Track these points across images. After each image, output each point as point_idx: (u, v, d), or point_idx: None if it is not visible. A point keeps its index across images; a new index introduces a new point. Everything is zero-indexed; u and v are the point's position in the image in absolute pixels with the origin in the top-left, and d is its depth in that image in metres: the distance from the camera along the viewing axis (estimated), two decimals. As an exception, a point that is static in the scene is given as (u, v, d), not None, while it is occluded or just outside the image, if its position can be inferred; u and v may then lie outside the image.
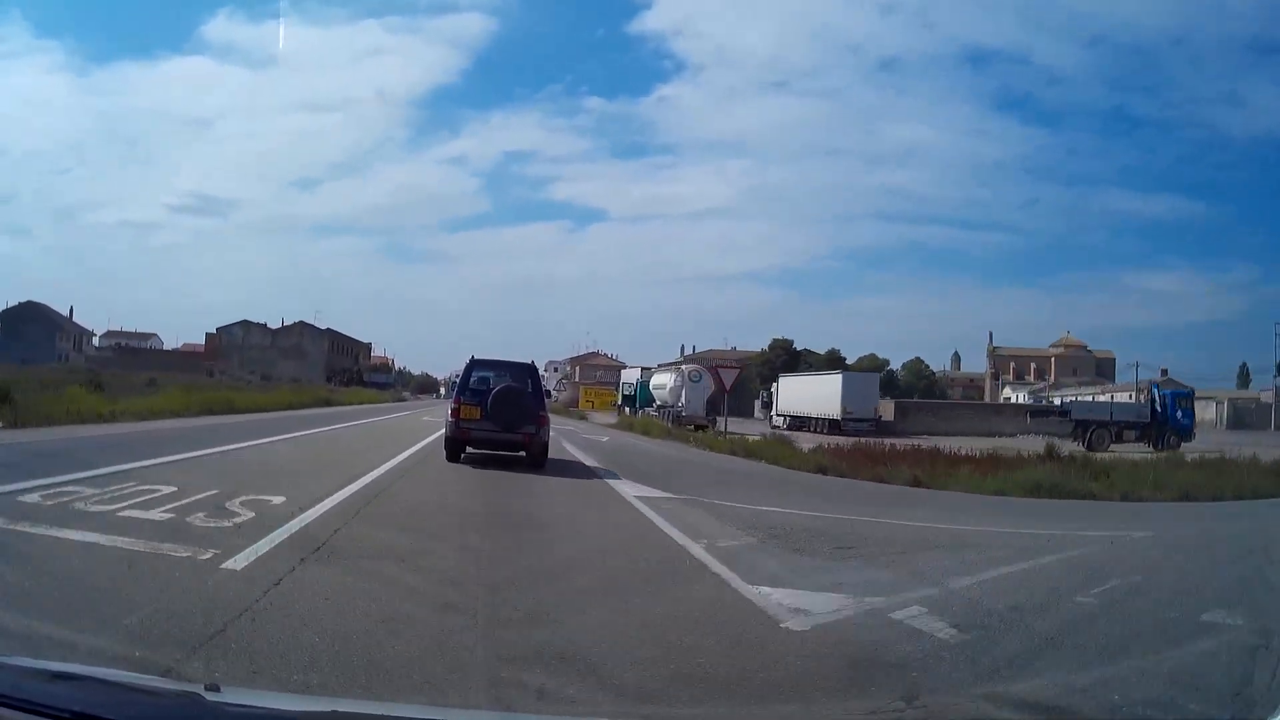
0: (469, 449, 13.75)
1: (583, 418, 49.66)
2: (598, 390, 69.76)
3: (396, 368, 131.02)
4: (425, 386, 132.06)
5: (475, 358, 14.69)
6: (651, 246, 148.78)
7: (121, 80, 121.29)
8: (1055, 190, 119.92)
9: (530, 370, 14.82)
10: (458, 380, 14.72)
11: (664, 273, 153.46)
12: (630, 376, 56.01)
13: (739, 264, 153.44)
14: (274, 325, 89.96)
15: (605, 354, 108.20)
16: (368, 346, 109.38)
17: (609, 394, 65.19)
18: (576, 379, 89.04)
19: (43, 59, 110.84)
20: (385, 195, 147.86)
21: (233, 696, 1.97)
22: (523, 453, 13.53)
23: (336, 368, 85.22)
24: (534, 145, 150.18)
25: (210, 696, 1.90)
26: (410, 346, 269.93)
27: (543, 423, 13.54)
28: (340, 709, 2.17)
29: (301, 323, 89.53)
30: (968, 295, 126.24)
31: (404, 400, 72.18)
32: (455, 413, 13.51)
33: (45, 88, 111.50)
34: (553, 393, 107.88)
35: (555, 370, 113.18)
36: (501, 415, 13.05)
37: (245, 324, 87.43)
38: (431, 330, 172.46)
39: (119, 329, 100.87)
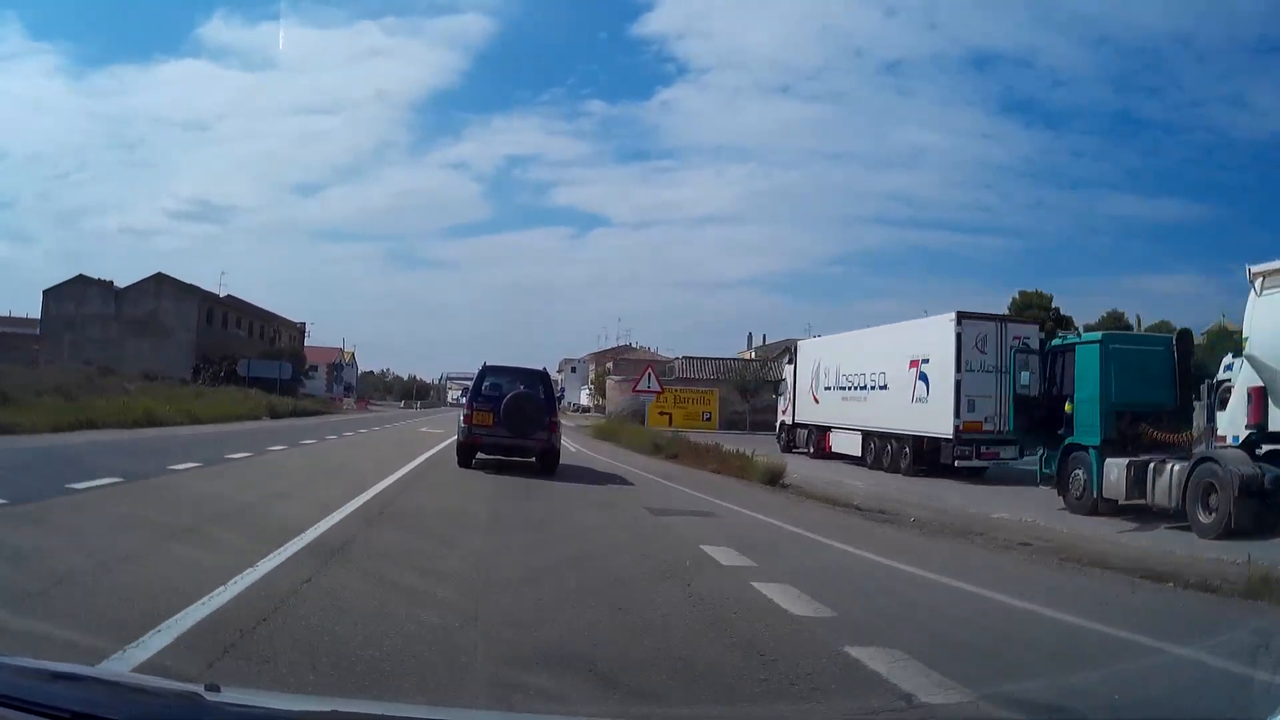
0: (480, 454, 14.05)
1: (772, 485, 14.43)
2: (678, 394, 41.96)
3: (360, 366, 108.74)
4: (409, 391, 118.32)
5: (488, 364, 14.96)
6: (654, 252, 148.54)
7: (119, 83, 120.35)
8: (1059, 194, 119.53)
9: (542, 377, 15.08)
10: (448, 383, 15.05)
11: (666, 277, 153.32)
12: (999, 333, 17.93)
13: (743, 268, 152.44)
14: (126, 283, 56.45)
15: (644, 347, 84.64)
16: (298, 328, 77.03)
17: (701, 398, 42.90)
18: (608, 378, 56.62)
19: (39, 62, 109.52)
20: (387, 200, 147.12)
21: (233, 696, 1.96)
22: (534, 458, 13.91)
23: (224, 352, 51.78)
24: (535, 149, 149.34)
25: (210, 696, 1.89)
26: (409, 351, 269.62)
27: (554, 429, 13.90)
28: (340, 709, 2.17)
29: (159, 276, 55.64)
30: (974, 299, 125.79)
31: (320, 413, 42.57)
32: (468, 419, 13.79)
33: (43, 91, 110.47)
34: (582, 401, 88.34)
35: (573, 371, 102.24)
36: (514, 422, 13.34)
37: (82, 281, 55.95)
38: (431, 335, 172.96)
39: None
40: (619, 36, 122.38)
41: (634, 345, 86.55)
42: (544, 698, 3.40)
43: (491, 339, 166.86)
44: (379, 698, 3.21)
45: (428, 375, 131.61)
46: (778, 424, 27.35)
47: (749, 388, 42.48)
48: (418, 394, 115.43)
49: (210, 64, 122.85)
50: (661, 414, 36.57)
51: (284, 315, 73.56)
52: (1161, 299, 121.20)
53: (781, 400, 27.18)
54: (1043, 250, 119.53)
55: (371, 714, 2.42)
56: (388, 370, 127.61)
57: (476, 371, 15.12)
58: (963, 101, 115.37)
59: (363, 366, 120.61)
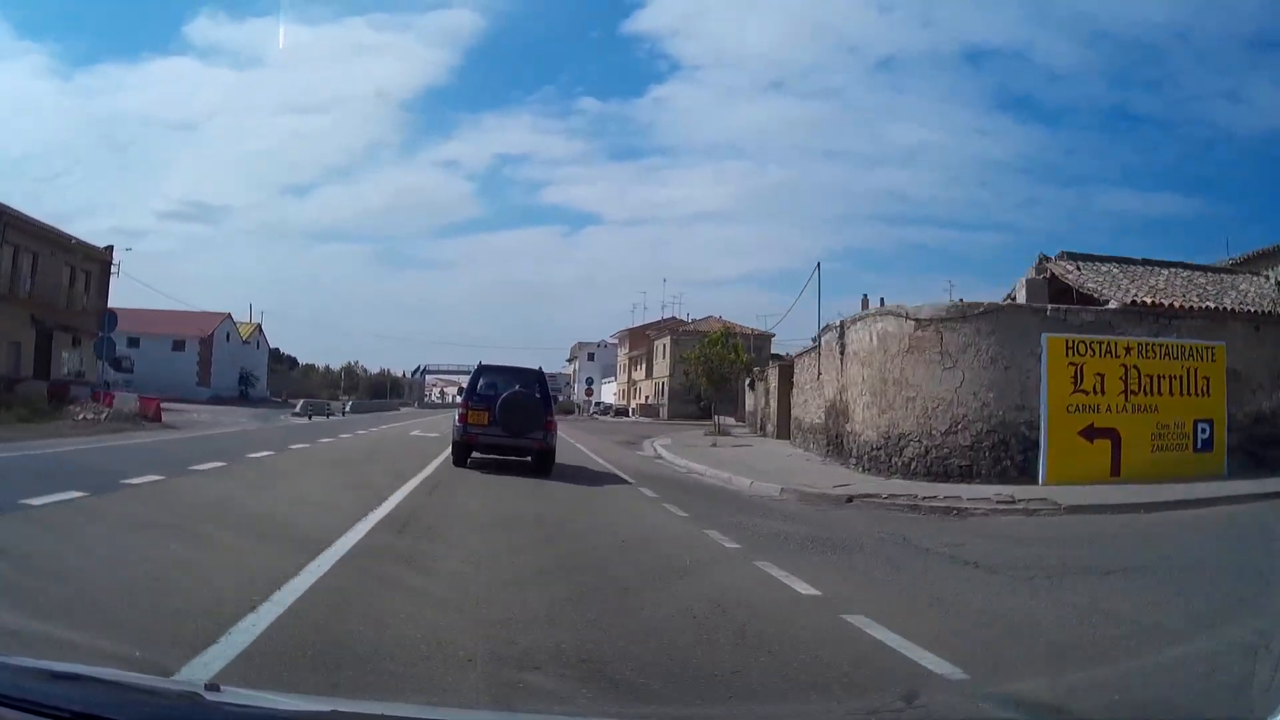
0: (475, 454, 13.97)
1: None
2: (1139, 368, 13.15)
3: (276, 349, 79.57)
4: (341, 388, 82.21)
5: (483, 363, 14.92)
6: (647, 249, 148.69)
7: (107, 82, 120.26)
8: (1054, 189, 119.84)
9: (538, 376, 15.02)
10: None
11: (660, 275, 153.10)
12: None
13: (737, 266, 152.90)
14: None
15: (709, 316, 58.54)
16: (98, 256, 37.50)
17: (1189, 371, 13.23)
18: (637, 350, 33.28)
19: (26, 61, 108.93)
20: (379, 199, 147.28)
21: (233, 696, 1.96)
22: (529, 458, 13.81)
23: None
24: (527, 148, 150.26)
25: (210, 696, 1.89)
26: (406, 350, 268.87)
27: (550, 428, 13.78)
28: (340, 709, 2.17)
29: None
30: (971, 296, 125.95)
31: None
32: (463, 418, 13.70)
33: (31, 91, 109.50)
34: (608, 399, 68.25)
35: (590, 358, 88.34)
36: (510, 421, 13.26)
37: None
38: (424, 333, 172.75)
39: None
40: (611, 34, 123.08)
41: (678, 317, 61.96)
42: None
43: (487, 334, 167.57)
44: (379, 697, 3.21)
45: (393, 369, 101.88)
46: None
47: None
48: (375, 391, 77.97)
49: (198, 62, 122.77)
50: (1091, 432, 13.64)
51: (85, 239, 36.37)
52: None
53: None
54: (1037, 246, 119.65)
55: (371, 714, 2.41)
56: (355, 362, 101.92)
57: (461, 365, 15.11)
58: (957, 98, 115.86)
59: (336, 362, 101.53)
